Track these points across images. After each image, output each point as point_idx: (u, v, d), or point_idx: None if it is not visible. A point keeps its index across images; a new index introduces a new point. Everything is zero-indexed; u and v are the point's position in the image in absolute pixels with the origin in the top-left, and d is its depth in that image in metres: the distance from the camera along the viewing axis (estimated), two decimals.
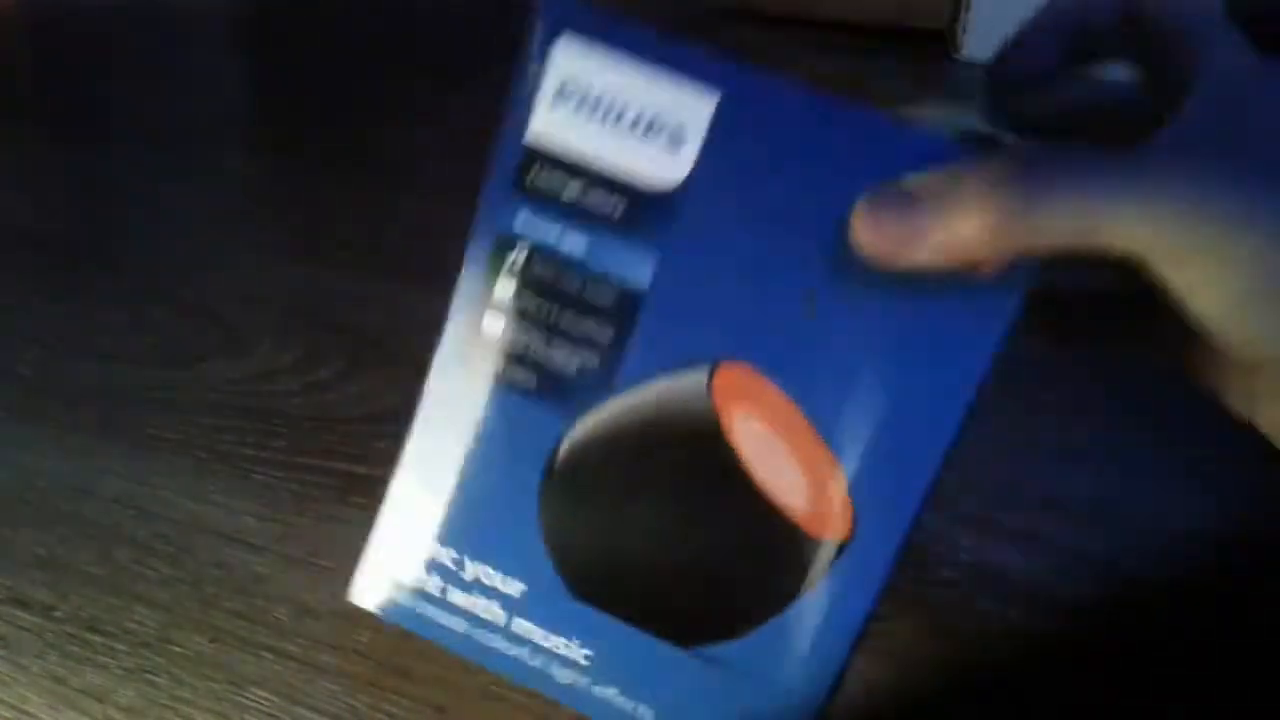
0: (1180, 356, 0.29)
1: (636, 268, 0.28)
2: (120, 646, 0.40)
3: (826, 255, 0.26)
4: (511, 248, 0.28)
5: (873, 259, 0.25)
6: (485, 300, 0.29)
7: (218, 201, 0.78)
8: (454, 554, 0.31)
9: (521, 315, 0.29)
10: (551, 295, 0.29)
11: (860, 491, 0.28)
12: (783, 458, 0.28)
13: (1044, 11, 0.28)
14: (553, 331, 0.29)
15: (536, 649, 0.31)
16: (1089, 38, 0.28)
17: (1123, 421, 0.52)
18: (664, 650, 0.30)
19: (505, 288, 0.29)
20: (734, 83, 0.26)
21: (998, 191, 0.23)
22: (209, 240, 0.71)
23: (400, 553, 0.32)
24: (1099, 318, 0.31)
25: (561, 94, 0.27)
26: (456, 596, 0.31)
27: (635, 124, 0.27)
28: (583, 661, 0.31)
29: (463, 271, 0.29)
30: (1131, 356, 0.31)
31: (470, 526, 0.31)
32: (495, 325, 0.29)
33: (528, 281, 0.29)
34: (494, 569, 0.31)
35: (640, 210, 0.27)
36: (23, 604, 0.42)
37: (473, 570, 0.31)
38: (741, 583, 0.29)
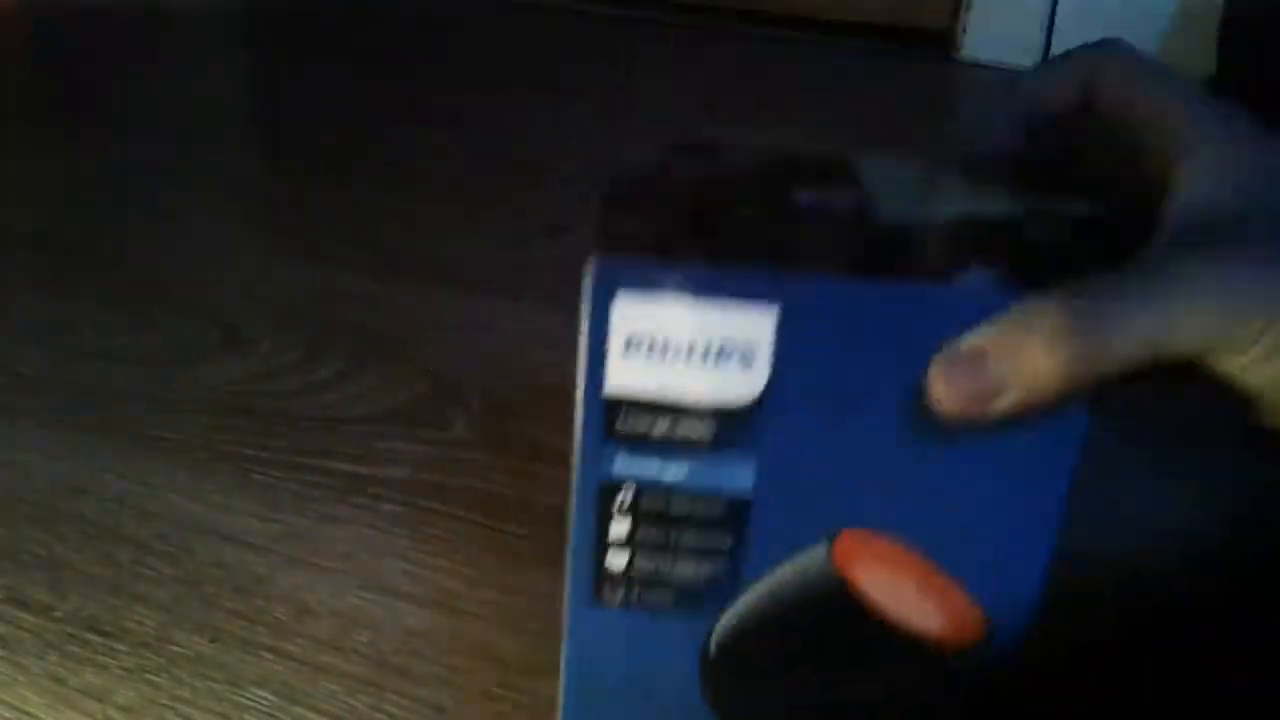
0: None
1: (738, 478, 0.29)
2: (120, 646, 0.40)
3: (908, 420, 0.28)
4: (617, 490, 0.30)
5: (954, 419, 0.26)
6: (602, 542, 0.30)
7: (218, 201, 0.78)
8: None
9: (643, 546, 0.30)
10: (665, 521, 0.30)
11: (986, 598, 0.30)
12: (912, 594, 0.30)
13: (1008, 100, 0.30)
14: (675, 552, 0.30)
15: None
16: (1051, 121, 0.30)
17: (1122, 421, 0.52)
18: None
19: (620, 526, 0.30)
20: (787, 292, 0.27)
21: (1069, 328, 0.24)
22: (209, 240, 0.71)
23: None
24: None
25: (629, 346, 0.28)
26: None
27: (706, 354, 0.28)
28: None
29: (573, 517, 0.30)
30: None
31: None
32: (619, 561, 0.30)
33: (640, 516, 0.30)
34: None
35: (729, 428, 0.29)
36: (23, 604, 0.42)
37: None
38: (910, 717, 0.31)
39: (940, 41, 1.16)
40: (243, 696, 0.38)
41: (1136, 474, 0.49)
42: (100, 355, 0.58)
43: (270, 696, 0.38)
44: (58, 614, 0.41)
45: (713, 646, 0.31)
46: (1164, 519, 0.46)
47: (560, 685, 0.32)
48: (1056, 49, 1.13)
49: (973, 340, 0.26)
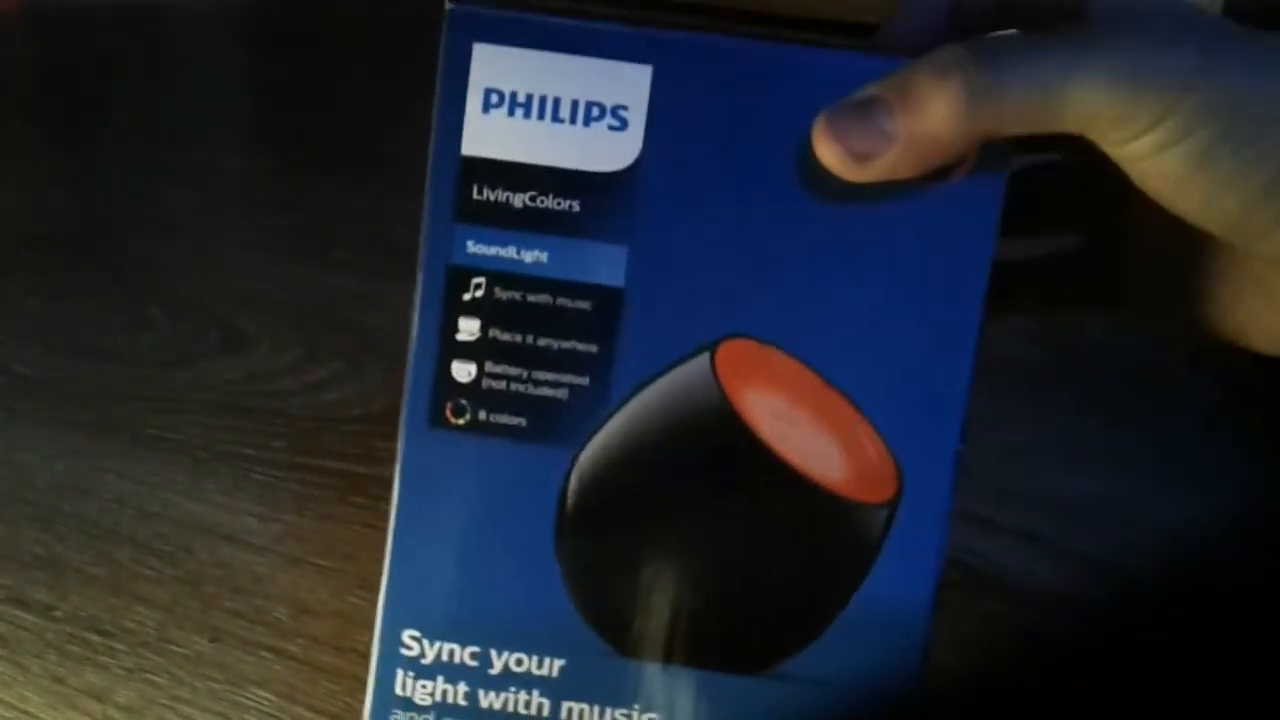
0: (1131, 306, 0.29)
1: (608, 265, 0.26)
2: (120, 646, 0.40)
3: (801, 198, 0.25)
4: (467, 279, 0.26)
5: (843, 172, 0.24)
6: (449, 345, 0.26)
7: (218, 201, 0.78)
8: (474, 649, 0.27)
9: (494, 353, 0.26)
10: (522, 321, 0.26)
11: (896, 440, 0.26)
12: (809, 428, 0.26)
13: None
14: (532, 361, 0.26)
15: None
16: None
17: (1122, 422, 0.52)
18: (737, 685, 0.27)
19: (469, 326, 0.26)
20: (664, 49, 0.25)
21: (960, 74, 0.23)
22: (209, 240, 0.71)
23: (408, 666, 0.28)
24: (1047, 282, 0.31)
25: (488, 101, 0.25)
26: (489, 699, 0.28)
27: (573, 115, 0.25)
28: None
29: (415, 318, 0.26)
30: (1082, 319, 0.31)
31: (485, 612, 0.27)
32: (466, 371, 0.26)
33: (493, 313, 0.26)
34: (525, 652, 0.27)
35: (599, 203, 0.25)
36: (23, 604, 0.41)
37: (500, 661, 0.27)
38: (801, 580, 0.27)
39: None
40: (243, 696, 0.38)
41: (1136, 472, 0.49)
42: (100, 355, 0.58)
43: (270, 696, 0.38)
44: (58, 614, 0.41)
45: (571, 487, 0.26)
46: (1164, 518, 0.46)
47: (388, 528, 0.28)
48: None
49: (860, 92, 0.24)
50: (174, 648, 0.40)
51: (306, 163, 0.84)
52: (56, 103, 0.99)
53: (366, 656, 0.39)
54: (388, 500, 0.48)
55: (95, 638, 0.40)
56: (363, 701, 0.38)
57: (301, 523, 0.46)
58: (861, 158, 0.24)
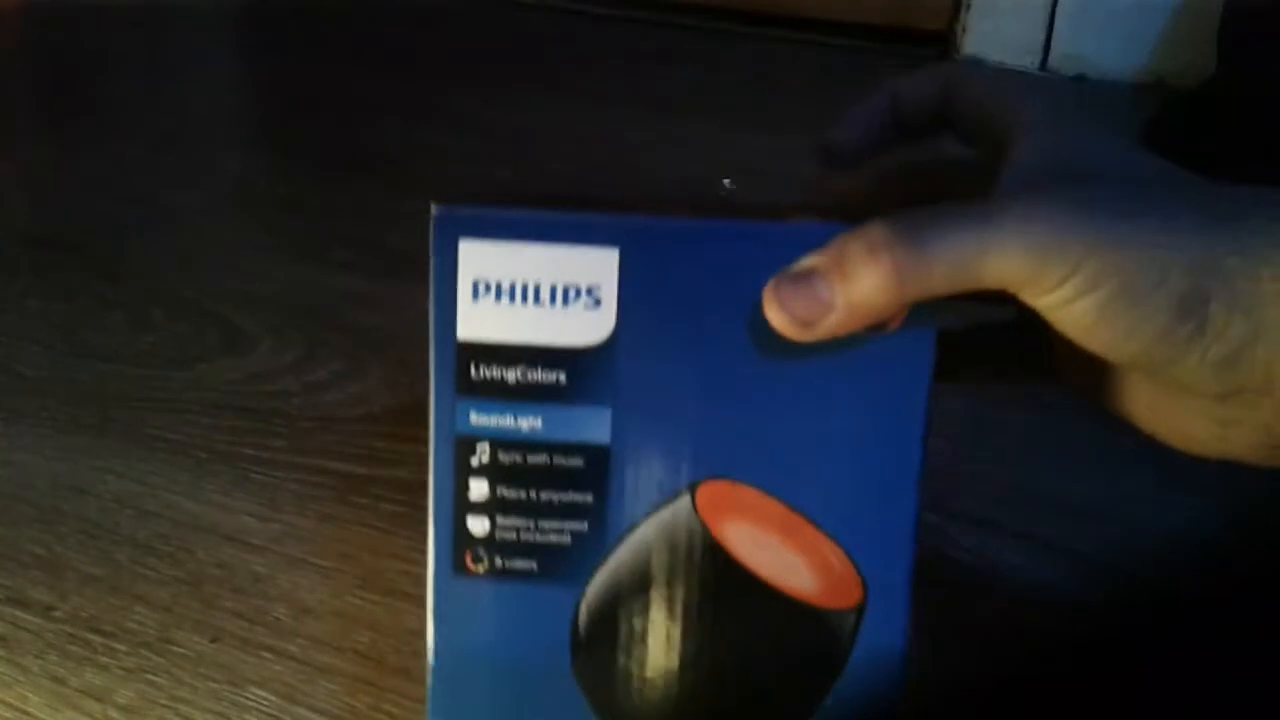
0: (1054, 373, 0.32)
1: (594, 426, 0.29)
2: (120, 646, 0.40)
3: (757, 355, 0.29)
4: (473, 446, 0.29)
5: (791, 335, 0.27)
6: (463, 503, 0.30)
7: (218, 201, 0.78)
8: None
9: (503, 507, 0.30)
10: (525, 479, 0.29)
11: (857, 552, 0.30)
12: (780, 550, 0.30)
13: (871, 96, 0.33)
14: (537, 512, 0.30)
15: None
16: (911, 116, 0.32)
17: (1122, 423, 0.52)
18: None
19: (480, 485, 0.30)
20: (627, 234, 0.28)
21: (888, 251, 0.26)
22: (209, 240, 0.71)
23: None
24: (981, 350, 0.34)
25: (477, 290, 0.28)
26: None
27: (553, 297, 0.28)
28: None
29: (431, 480, 0.30)
30: (1011, 383, 0.36)
31: None
32: (481, 525, 0.30)
33: (499, 473, 0.29)
34: None
35: (582, 372, 0.29)
36: (23, 604, 0.42)
37: None
38: (786, 679, 0.30)
39: (940, 42, 1.16)
40: (243, 696, 0.38)
41: (1136, 472, 0.49)
42: (100, 355, 0.58)
43: (270, 696, 0.38)
44: (58, 614, 0.41)
45: (582, 617, 0.30)
46: (1164, 518, 0.46)
47: (427, 664, 0.31)
48: (1056, 49, 1.13)
49: (801, 263, 0.27)
50: (174, 648, 0.40)
51: (306, 163, 0.84)
52: (56, 103, 0.99)
53: (366, 656, 0.40)
54: (387, 500, 0.48)
55: (95, 638, 0.40)
56: (362, 701, 0.38)
57: (301, 523, 0.46)
58: (805, 323, 0.27)
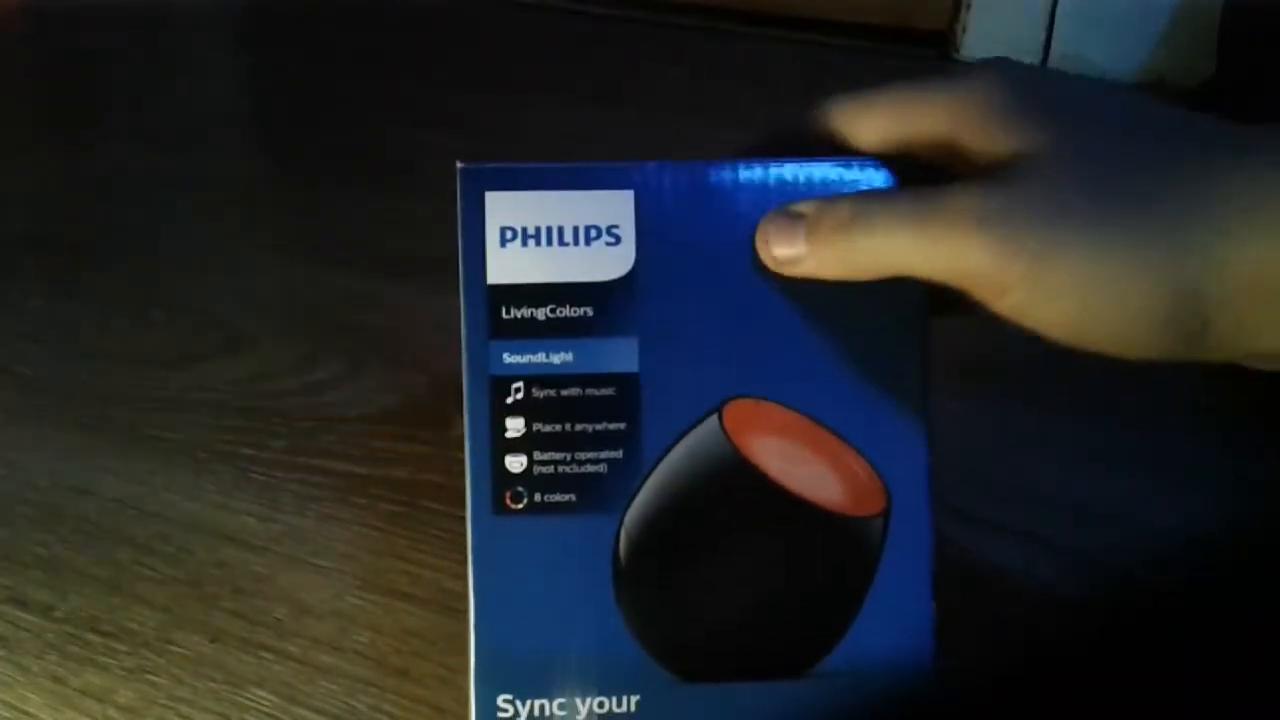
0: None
1: (623, 355, 0.31)
2: (120, 646, 0.40)
3: (765, 282, 0.31)
4: (507, 386, 0.31)
5: (775, 269, 0.30)
6: (500, 442, 0.31)
7: (218, 202, 0.78)
8: (561, 700, 0.31)
9: (540, 443, 0.31)
10: (560, 413, 0.31)
11: (878, 459, 0.31)
12: (807, 461, 0.31)
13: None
14: (573, 445, 0.31)
15: None
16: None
17: (1122, 422, 0.52)
18: (782, 690, 0.32)
19: (515, 423, 0.31)
20: (639, 177, 0.31)
21: (836, 233, 0.28)
22: (209, 240, 0.71)
23: None
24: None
25: (504, 238, 0.30)
26: None
27: (576, 237, 0.31)
28: None
29: (467, 421, 0.31)
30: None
31: (565, 664, 0.31)
32: (518, 462, 0.31)
33: (534, 410, 0.31)
34: (604, 694, 0.31)
35: (608, 305, 0.31)
36: (23, 604, 0.42)
37: (585, 707, 0.31)
38: (822, 589, 0.32)
39: (940, 41, 1.16)
40: (243, 696, 0.38)
41: (1135, 472, 0.49)
42: (100, 355, 0.58)
43: (270, 696, 0.38)
44: (58, 614, 0.41)
45: (622, 546, 0.31)
46: (1163, 517, 0.46)
47: (470, 605, 0.31)
48: (1056, 49, 1.13)
49: (797, 205, 0.29)
50: (174, 648, 0.40)
51: (307, 163, 0.84)
52: (56, 103, 0.99)
53: (366, 656, 0.40)
54: (387, 500, 0.48)
55: (95, 638, 0.40)
56: (362, 701, 0.38)
57: (301, 523, 0.46)
58: (784, 263, 0.29)
